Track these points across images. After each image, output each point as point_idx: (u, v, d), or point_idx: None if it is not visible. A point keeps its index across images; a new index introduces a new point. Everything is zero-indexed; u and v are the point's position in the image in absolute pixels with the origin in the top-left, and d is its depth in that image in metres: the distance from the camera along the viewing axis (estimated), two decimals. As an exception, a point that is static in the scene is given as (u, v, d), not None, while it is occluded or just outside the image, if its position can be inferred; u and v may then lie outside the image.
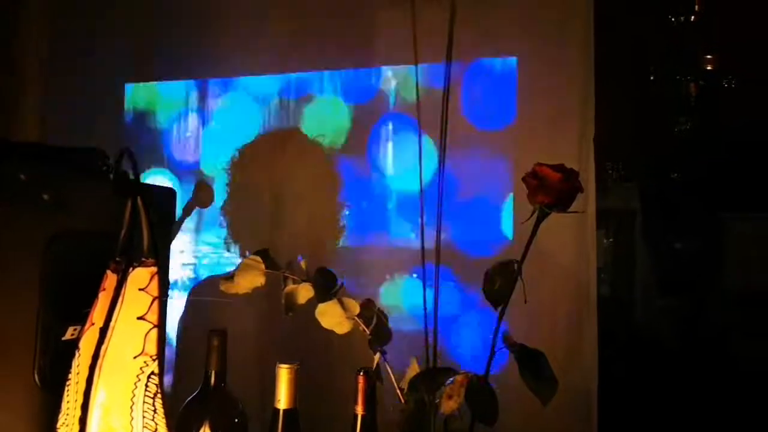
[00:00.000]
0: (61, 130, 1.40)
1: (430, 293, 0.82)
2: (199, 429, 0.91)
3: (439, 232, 0.84)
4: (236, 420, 0.94)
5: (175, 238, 1.34)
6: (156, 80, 1.48)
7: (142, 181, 0.73)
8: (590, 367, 1.11)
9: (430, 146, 1.12)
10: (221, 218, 1.38)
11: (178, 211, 1.35)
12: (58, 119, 1.46)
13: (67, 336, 0.81)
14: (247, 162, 1.37)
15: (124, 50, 1.48)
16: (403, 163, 1.30)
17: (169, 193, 1.04)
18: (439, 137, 0.88)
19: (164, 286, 0.97)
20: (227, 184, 1.38)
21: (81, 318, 0.77)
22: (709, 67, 2.47)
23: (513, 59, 1.29)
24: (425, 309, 0.76)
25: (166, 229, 1.02)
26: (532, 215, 0.79)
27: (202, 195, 1.44)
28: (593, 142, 1.21)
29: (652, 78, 2.62)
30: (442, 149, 0.89)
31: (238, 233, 1.36)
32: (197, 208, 1.43)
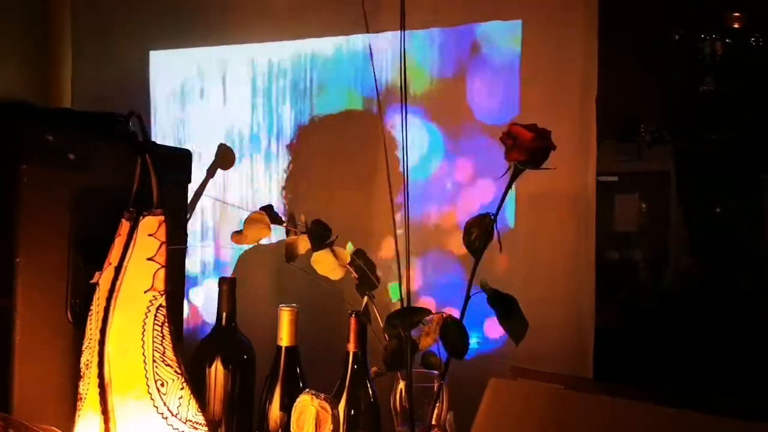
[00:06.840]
0: (91, 100, 1.49)
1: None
2: (211, 364, 1.02)
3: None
4: (245, 357, 1.05)
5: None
6: (182, 47, 1.52)
7: (152, 141, 0.82)
8: (588, 307, 1.16)
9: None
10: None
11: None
12: (87, 90, 1.55)
13: (94, 279, 0.92)
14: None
15: (149, 17, 1.50)
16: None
17: (185, 154, 1.14)
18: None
19: (182, 237, 1.08)
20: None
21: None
22: (735, 26, 2.42)
23: (518, 22, 1.30)
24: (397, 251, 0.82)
25: (182, 187, 1.12)
26: (506, 172, 0.85)
27: (224, 157, 1.52)
28: (595, 102, 1.23)
29: (677, 37, 2.58)
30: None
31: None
32: (219, 169, 1.52)
